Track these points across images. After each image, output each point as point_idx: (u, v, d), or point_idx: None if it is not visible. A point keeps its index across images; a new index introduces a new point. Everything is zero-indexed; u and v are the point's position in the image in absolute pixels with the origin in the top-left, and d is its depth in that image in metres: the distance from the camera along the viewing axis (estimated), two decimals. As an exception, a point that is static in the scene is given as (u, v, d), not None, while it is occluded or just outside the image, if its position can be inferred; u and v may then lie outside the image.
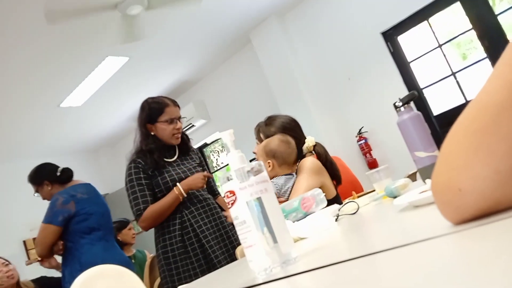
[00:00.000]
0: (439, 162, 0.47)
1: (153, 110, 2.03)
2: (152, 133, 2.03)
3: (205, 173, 2.02)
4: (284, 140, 1.73)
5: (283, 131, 1.97)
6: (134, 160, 2.00)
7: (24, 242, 5.29)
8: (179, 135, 2.06)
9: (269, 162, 1.68)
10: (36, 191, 2.57)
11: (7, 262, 2.78)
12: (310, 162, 1.80)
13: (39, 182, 2.53)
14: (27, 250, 5.28)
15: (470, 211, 0.45)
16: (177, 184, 1.94)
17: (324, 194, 1.34)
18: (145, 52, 4.27)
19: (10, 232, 5.14)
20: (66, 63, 3.92)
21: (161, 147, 2.03)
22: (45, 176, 2.53)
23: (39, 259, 2.58)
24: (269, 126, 1.99)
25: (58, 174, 2.55)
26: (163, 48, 4.38)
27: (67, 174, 2.59)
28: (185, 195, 1.95)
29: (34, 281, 2.83)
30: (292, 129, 1.99)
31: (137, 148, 2.04)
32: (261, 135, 1.99)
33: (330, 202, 1.70)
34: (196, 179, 1.96)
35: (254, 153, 2.01)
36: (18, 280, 2.67)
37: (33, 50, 3.55)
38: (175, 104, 2.08)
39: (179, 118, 2.06)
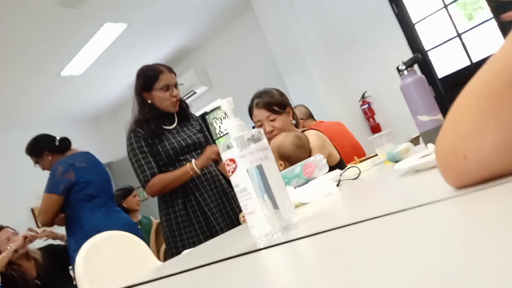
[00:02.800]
0: (446, 126, 0.46)
1: (148, 78, 1.99)
2: (149, 101, 2.01)
3: (215, 147, 1.99)
4: (299, 145, 1.67)
5: (283, 96, 1.99)
6: (133, 130, 1.99)
7: (32, 210, 5.39)
8: (177, 102, 2.03)
9: (281, 163, 1.66)
10: (36, 162, 2.58)
11: (16, 232, 2.85)
12: (314, 139, 1.78)
13: (39, 153, 2.54)
14: (35, 217, 5.38)
15: (472, 178, 0.45)
16: (193, 161, 1.92)
17: (326, 160, 1.34)
18: (144, 18, 4.18)
19: (18, 200, 5.22)
20: (66, 31, 3.86)
21: (158, 115, 2.01)
22: (45, 147, 2.54)
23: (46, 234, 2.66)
24: (273, 96, 1.95)
25: (57, 143, 2.56)
26: (162, 13, 4.29)
27: (66, 143, 2.60)
28: (199, 173, 1.93)
29: (41, 249, 2.90)
30: (283, 93, 2.01)
31: (135, 118, 2.02)
32: (275, 108, 1.92)
33: (334, 167, 1.71)
34: (210, 156, 1.94)
35: (271, 131, 1.93)
36: (26, 248, 2.74)
37: (32, 18, 3.48)
38: (171, 70, 2.04)
39: (175, 84, 2.02)
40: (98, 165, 2.63)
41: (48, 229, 2.79)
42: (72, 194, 2.44)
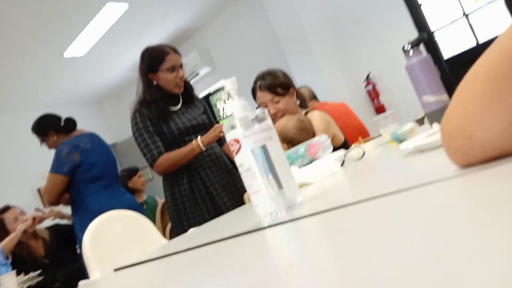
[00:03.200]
0: (452, 106, 0.46)
1: (153, 59, 1.99)
2: (155, 83, 2.00)
3: (219, 125, 2.00)
4: (302, 128, 1.67)
5: (287, 76, 1.98)
6: (138, 110, 1.99)
7: (38, 190, 5.44)
8: (182, 83, 2.03)
9: (284, 147, 1.66)
10: (42, 141, 2.60)
11: (23, 211, 2.88)
12: (318, 121, 1.78)
13: (44, 132, 2.56)
14: (41, 198, 5.44)
15: (477, 157, 0.45)
16: (198, 138, 1.92)
17: (330, 140, 1.34)
18: (146, -3, 4.14)
19: (24, 181, 5.27)
20: (66, 11, 3.82)
21: (165, 96, 2.01)
22: (50, 126, 2.55)
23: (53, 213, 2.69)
24: (276, 78, 1.95)
25: (62, 123, 2.57)
26: (165, -8, 4.24)
27: (71, 123, 2.60)
28: (204, 149, 1.94)
29: (48, 228, 2.95)
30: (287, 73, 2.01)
31: (140, 99, 2.02)
32: (279, 90, 1.92)
33: (339, 148, 1.71)
34: (214, 132, 1.94)
35: (274, 113, 1.94)
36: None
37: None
38: (176, 51, 2.03)
39: (180, 65, 2.02)
40: (103, 147, 2.64)
41: (55, 209, 2.83)
42: (76, 175, 2.46)
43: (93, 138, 2.62)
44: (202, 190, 1.99)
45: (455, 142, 0.46)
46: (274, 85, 1.94)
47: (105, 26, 4.34)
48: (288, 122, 1.70)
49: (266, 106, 1.95)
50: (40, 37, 4.10)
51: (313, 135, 1.70)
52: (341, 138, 1.90)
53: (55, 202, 2.50)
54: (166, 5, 4.53)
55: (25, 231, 2.62)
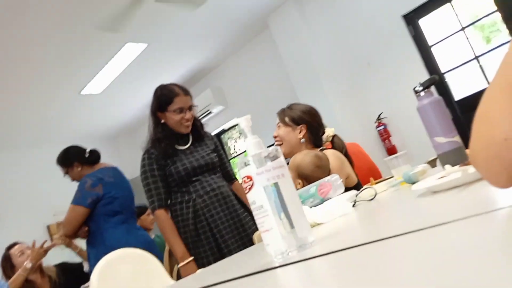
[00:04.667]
0: (477, 123, 0.45)
1: (163, 99, 2.02)
2: (162, 121, 2.04)
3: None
4: (319, 165, 1.67)
5: (308, 115, 2.02)
6: (147, 150, 2.02)
7: (48, 227, 5.44)
8: (189, 124, 2.04)
9: (299, 182, 1.66)
10: (66, 172, 2.62)
11: (29, 246, 2.87)
12: (333, 159, 1.77)
13: (69, 163, 2.59)
14: (50, 235, 5.42)
15: None
16: (188, 259, 1.92)
17: (341, 179, 1.34)
18: (164, 38, 4.29)
19: (34, 217, 5.28)
20: (87, 51, 3.97)
21: (171, 135, 2.03)
22: (75, 158, 2.58)
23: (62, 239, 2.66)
24: (294, 110, 2.04)
25: (87, 155, 2.60)
26: (181, 34, 4.39)
27: (95, 155, 2.64)
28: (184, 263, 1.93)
29: (56, 266, 2.92)
30: (315, 114, 2.06)
31: (150, 137, 2.06)
32: (286, 119, 2.02)
33: (351, 189, 1.69)
34: None
35: (275, 137, 2.03)
36: (41, 265, 2.76)
37: (54, 38, 3.60)
38: (186, 93, 2.05)
39: (189, 107, 2.04)
40: (124, 181, 2.66)
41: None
42: (97, 208, 2.47)
43: (116, 172, 2.64)
44: (207, 232, 1.96)
45: (491, 151, 0.43)
46: (285, 113, 2.04)
47: (123, 65, 4.48)
48: (305, 157, 1.69)
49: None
50: (60, 74, 4.25)
51: (329, 173, 1.68)
52: (354, 179, 1.89)
53: (73, 234, 2.49)
54: (182, 46, 4.68)
55: (32, 267, 2.60)
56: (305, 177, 1.64)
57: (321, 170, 1.65)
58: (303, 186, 1.57)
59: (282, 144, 2.00)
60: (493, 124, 0.43)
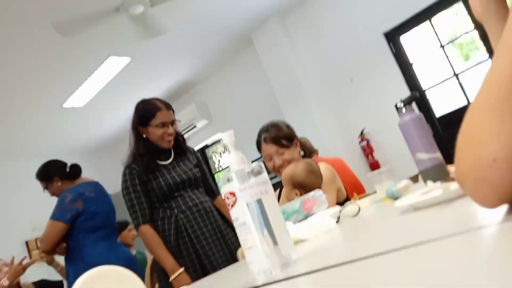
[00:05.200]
0: (462, 142, 0.44)
1: (145, 113, 2.00)
2: (144, 136, 2.02)
3: None
4: (311, 171, 1.66)
5: (289, 128, 1.98)
6: (129, 165, 1.99)
7: (26, 242, 5.29)
8: (171, 139, 2.02)
9: (296, 192, 1.65)
10: (46, 187, 2.55)
11: (6, 262, 2.78)
12: (325, 171, 1.76)
13: (49, 178, 2.52)
14: (29, 251, 5.27)
15: (507, 185, 0.41)
16: (179, 270, 1.87)
17: (325, 195, 1.34)
18: (147, 52, 4.28)
19: (12, 232, 5.13)
20: (69, 64, 3.93)
21: (153, 150, 2.01)
22: (55, 172, 2.52)
23: (42, 256, 2.58)
24: (281, 130, 1.94)
25: (68, 170, 2.54)
26: (165, 48, 4.39)
27: (76, 170, 2.58)
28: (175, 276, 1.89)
29: (34, 283, 2.83)
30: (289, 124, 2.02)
31: (131, 151, 2.02)
32: (283, 141, 1.92)
33: (341, 204, 1.69)
34: None
35: (279, 166, 1.91)
36: (18, 282, 2.66)
37: (36, 50, 3.56)
38: (169, 107, 2.04)
39: (172, 122, 2.02)
40: (105, 196, 2.60)
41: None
42: (77, 223, 2.40)
43: (97, 187, 2.59)
44: (189, 248, 1.94)
45: (478, 172, 0.42)
46: (279, 137, 1.93)
47: (106, 78, 4.44)
48: (297, 167, 1.68)
49: (271, 159, 1.95)
50: (42, 86, 4.19)
51: (322, 180, 1.67)
52: (344, 192, 1.88)
53: (51, 251, 2.42)
54: (166, 60, 4.68)
55: (9, 286, 2.51)
56: (300, 185, 1.62)
57: (315, 175, 1.65)
58: (301, 195, 1.56)
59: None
60: (480, 144, 0.42)
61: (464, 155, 0.44)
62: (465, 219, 0.46)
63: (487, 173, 0.41)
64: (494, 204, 0.43)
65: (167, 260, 1.89)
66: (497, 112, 0.41)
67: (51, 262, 2.67)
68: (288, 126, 2.02)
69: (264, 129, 1.97)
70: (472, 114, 0.44)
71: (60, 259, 2.60)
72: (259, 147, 1.99)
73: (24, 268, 2.60)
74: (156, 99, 2.08)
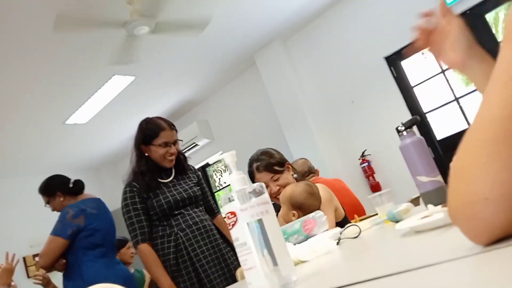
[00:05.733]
0: (454, 180, 0.45)
1: (148, 132, 2.02)
2: (146, 154, 2.02)
3: None
4: (311, 192, 1.66)
5: (279, 153, 1.98)
6: (129, 183, 1.99)
7: (24, 258, 5.24)
8: (173, 159, 2.03)
9: (294, 213, 1.64)
10: (47, 202, 2.53)
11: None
12: (322, 191, 1.76)
13: (51, 193, 2.50)
14: (26, 267, 5.22)
15: (501, 222, 0.41)
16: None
17: (326, 216, 1.33)
18: (151, 71, 4.32)
19: (10, 248, 5.05)
20: (74, 81, 3.97)
21: (154, 169, 2.02)
22: (58, 187, 2.50)
23: (39, 278, 2.55)
24: (272, 157, 1.94)
25: (71, 185, 2.53)
26: (169, 68, 4.44)
27: (80, 185, 2.56)
28: None
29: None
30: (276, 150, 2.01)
31: (132, 169, 2.03)
32: (276, 167, 1.91)
33: (339, 223, 1.68)
34: None
35: (276, 192, 1.89)
36: (9, 284, 2.63)
37: (41, 67, 3.60)
38: (172, 127, 2.06)
39: (174, 141, 2.04)
40: (107, 213, 2.58)
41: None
42: (77, 240, 2.37)
43: (99, 204, 2.57)
44: (188, 266, 1.92)
45: (470, 210, 0.42)
46: (271, 163, 1.92)
47: (109, 96, 4.48)
48: (297, 187, 1.67)
49: (267, 186, 1.92)
50: (45, 103, 4.22)
51: (320, 201, 1.67)
52: (342, 212, 1.88)
53: (50, 267, 2.38)
54: (170, 79, 4.73)
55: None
56: (298, 207, 1.62)
57: (314, 197, 1.65)
58: (298, 217, 1.55)
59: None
60: (472, 181, 0.42)
61: (456, 191, 0.45)
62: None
63: (479, 211, 0.42)
64: (486, 241, 0.44)
65: (164, 280, 1.88)
66: (489, 151, 0.42)
67: (47, 285, 2.64)
68: (277, 151, 2.01)
69: (255, 159, 1.96)
70: (463, 153, 0.45)
71: (58, 277, 2.57)
72: (252, 177, 1.96)
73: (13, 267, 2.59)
74: (160, 118, 2.10)
